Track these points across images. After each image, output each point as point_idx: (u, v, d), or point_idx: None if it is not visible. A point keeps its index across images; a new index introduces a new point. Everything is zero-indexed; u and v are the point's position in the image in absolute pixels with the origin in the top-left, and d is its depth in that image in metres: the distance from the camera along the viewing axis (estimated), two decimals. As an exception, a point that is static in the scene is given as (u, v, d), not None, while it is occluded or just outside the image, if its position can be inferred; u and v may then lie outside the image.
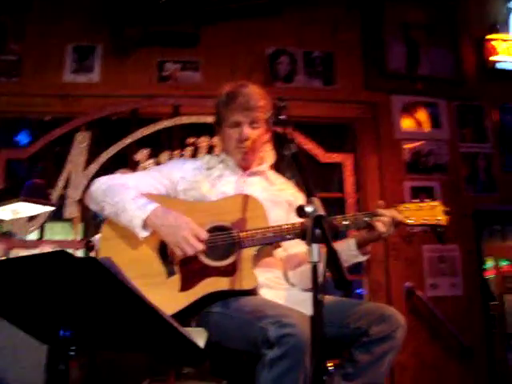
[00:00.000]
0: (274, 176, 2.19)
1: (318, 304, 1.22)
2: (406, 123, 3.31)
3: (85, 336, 1.25)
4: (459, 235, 3.13)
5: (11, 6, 3.30)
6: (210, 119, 3.16)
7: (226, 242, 1.83)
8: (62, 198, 3.11)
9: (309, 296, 1.90)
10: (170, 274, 1.82)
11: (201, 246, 1.77)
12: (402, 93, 3.35)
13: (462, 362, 2.93)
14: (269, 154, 2.28)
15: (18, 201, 2.32)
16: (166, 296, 1.75)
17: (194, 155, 3.20)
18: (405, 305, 2.99)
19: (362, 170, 3.29)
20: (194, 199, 2.00)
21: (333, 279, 1.28)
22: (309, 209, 1.28)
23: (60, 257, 1.01)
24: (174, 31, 3.29)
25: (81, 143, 3.20)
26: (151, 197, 1.94)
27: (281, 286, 1.95)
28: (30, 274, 1.10)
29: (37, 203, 2.44)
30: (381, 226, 1.75)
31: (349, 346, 1.73)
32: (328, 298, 1.94)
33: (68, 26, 3.33)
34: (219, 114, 2.07)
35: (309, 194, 1.36)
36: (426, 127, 3.32)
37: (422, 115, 3.34)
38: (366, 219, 1.79)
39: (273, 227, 1.82)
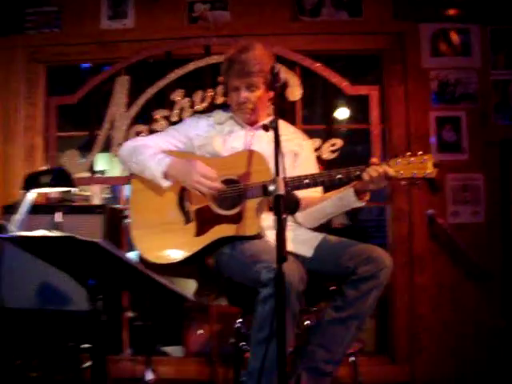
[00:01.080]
0: (283, 126, 2.38)
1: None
2: (435, 52, 3.29)
3: (105, 284, 1.60)
4: (485, 164, 3.20)
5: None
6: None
7: (233, 193, 2.08)
8: (108, 139, 3.42)
9: (312, 236, 2.17)
10: (187, 221, 2.11)
11: (212, 184, 2.02)
12: (432, 20, 3.29)
13: (478, 285, 3.11)
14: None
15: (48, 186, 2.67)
16: (184, 240, 2.06)
17: (225, 94, 3.37)
18: (426, 231, 3.17)
19: (387, 101, 3.34)
20: (209, 154, 2.27)
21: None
22: (271, 187, 1.51)
23: (70, 241, 1.32)
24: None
25: (121, 86, 3.45)
26: (170, 152, 2.21)
27: (287, 227, 2.19)
28: (56, 247, 1.44)
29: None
30: (367, 178, 1.93)
31: (340, 283, 1.99)
32: (328, 238, 2.18)
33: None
34: (224, 78, 2.39)
35: (276, 174, 1.57)
36: (456, 55, 3.28)
37: (452, 43, 3.29)
38: (358, 173, 1.97)
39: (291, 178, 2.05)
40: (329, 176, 2.04)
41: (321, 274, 2.09)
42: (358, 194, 2.05)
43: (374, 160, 1.99)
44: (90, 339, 2.91)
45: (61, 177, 2.74)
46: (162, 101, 3.40)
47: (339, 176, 2.01)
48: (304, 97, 3.36)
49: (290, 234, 2.16)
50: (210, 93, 3.35)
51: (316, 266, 2.10)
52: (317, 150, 3.27)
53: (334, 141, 3.30)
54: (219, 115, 2.43)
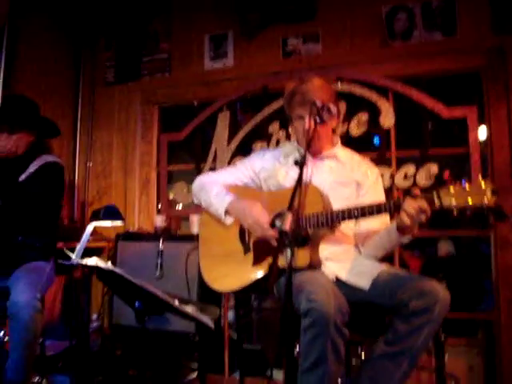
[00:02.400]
0: (348, 156, 2.41)
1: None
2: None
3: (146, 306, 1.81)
4: None
5: (156, 11, 3.89)
6: (337, 87, 3.41)
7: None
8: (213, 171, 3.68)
9: (372, 267, 2.15)
10: (246, 251, 2.22)
11: (263, 232, 2.12)
12: (537, 32, 3.07)
13: None
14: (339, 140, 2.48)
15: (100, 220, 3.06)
16: (243, 269, 2.18)
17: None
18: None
19: (487, 122, 3.16)
20: (274, 186, 2.36)
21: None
22: (277, 223, 1.58)
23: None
24: (291, 8, 3.51)
25: (223, 122, 3.71)
26: (235, 188, 2.35)
27: (347, 259, 2.22)
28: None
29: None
30: (405, 218, 1.88)
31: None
32: (387, 270, 2.15)
33: (203, 20, 3.80)
34: (287, 110, 2.38)
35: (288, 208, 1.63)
36: None
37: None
38: (392, 205, 1.93)
39: (321, 212, 2.07)
40: (362, 209, 2.02)
41: (378, 306, 2.08)
42: (401, 228, 2.02)
43: (416, 192, 1.94)
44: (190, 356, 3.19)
45: (110, 212, 3.10)
46: (261, 133, 3.59)
47: (370, 209, 1.99)
48: (398, 122, 3.32)
49: (347, 264, 2.19)
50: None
51: (373, 298, 2.09)
52: (411, 177, 3.22)
53: (429, 166, 3.21)
54: (286, 147, 2.49)
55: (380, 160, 3.30)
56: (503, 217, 1.96)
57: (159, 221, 3.35)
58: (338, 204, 2.19)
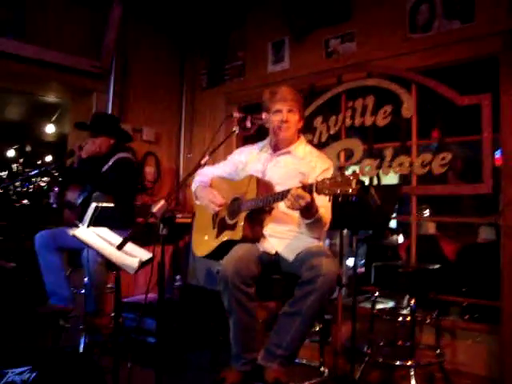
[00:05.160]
0: (304, 152, 2.83)
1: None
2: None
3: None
4: None
5: (234, 24, 4.58)
6: (366, 82, 3.69)
7: (235, 207, 2.71)
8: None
9: (300, 244, 2.58)
10: (213, 227, 2.84)
11: (216, 208, 2.77)
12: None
13: None
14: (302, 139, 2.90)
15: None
16: (210, 240, 2.84)
17: (352, 116, 3.75)
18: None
19: (502, 108, 3.09)
20: (243, 176, 2.87)
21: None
22: (152, 209, 2.16)
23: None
24: (330, 12, 3.85)
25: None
26: (216, 179, 2.97)
27: (288, 236, 2.68)
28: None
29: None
30: (287, 203, 2.30)
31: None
32: (311, 248, 2.55)
33: (268, 28, 4.36)
34: (265, 106, 2.86)
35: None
36: None
37: None
38: (277, 199, 2.36)
39: (257, 198, 2.58)
40: (266, 199, 2.51)
41: (296, 275, 2.51)
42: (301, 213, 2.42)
43: (301, 181, 2.30)
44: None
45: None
46: (308, 126, 4.02)
47: (270, 198, 2.45)
48: (420, 112, 3.45)
49: (287, 240, 2.66)
50: (341, 117, 3.81)
51: (293, 268, 2.54)
52: (427, 164, 3.35)
53: (443, 155, 3.30)
54: (262, 143, 2.99)
55: (401, 149, 3.50)
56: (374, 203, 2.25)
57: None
58: None
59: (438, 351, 3.11)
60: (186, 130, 4.98)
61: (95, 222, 2.91)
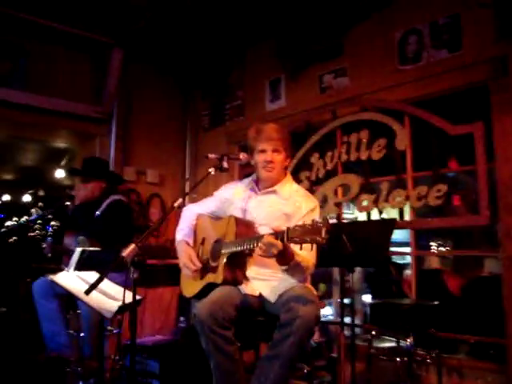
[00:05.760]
0: (290, 191, 2.74)
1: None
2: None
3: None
4: None
5: (233, 65, 4.65)
6: (360, 116, 3.66)
7: (217, 249, 2.66)
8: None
9: (282, 285, 2.50)
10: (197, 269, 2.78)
11: (190, 273, 2.69)
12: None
13: None
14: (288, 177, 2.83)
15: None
16: (195, 282, 2.74)
17: (347, 151, 3.71)
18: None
19: (495, 135, 3.00)
20: (230, 213, 2.80)
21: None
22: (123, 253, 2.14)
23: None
24: (321, 48, 3.87)
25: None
26: (201, 218, 2.92)
27: (272, 278, 2.59)
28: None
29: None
30: (258, 251, 2.24)
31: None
32: (294, 289, 2.47)
33: (265, 67, 4.41)
34: (250, 145, 2.76)
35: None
36: None
37: None
38: (252, 245, 2.31)
39: (235, 242, 2.53)
40: (242, 243, 2.44)
41: (277, 316, 2.43)
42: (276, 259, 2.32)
43: (272, 228, 2.25)
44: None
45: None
46: (306, 163, 4.01)
47: (245, 244, 2.38)
48: (414, 144, 3.39)
49: (271, 282, 2.57)
50: (337, 152, 3.78)
51: (275, 310, 2.45)
52: (422, 197, 3.27)
53: (439, 186, 3.22)
54: (248, 179, 2.86)
55: (397, 183, 3.43)
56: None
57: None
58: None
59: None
60: (191, 171, 5.02)
61: (88, 265, 2.92)
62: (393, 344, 3.36)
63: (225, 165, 2.69)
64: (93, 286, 2.13)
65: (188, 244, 2.84)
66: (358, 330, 3.88)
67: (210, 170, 2.66)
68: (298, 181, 3.99)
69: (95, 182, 3.65)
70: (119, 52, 4.34)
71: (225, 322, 2.38)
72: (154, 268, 4.53)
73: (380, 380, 3.13)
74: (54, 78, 4.29)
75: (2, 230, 3.91)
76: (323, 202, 3.83)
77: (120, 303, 2.44)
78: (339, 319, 3.38)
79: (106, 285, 2.69)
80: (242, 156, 2.78)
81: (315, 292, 2.69)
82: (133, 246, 2.23)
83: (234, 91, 4.68)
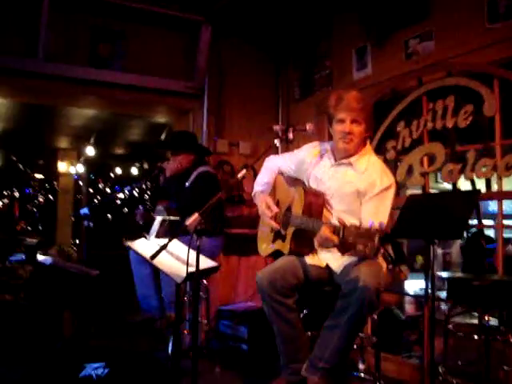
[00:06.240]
0: (367, 164, 2.68)
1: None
2: None
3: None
4: None
5: (322, 35, 4.59)
6: (445, 82, 3.46)
7: (286, 219, 2.70)
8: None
9: (348, 258, 2.51)
10: (271, 230, 2.88)
11: (269, 215, 2.73)
12: None
13: None
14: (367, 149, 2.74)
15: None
16: (267, 242, 2.89)
17: (433, 119, 3.53)
18: None
19: None
20: (306, 178, 2.83)
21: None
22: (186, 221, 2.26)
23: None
24: (406, 11, 3.69)
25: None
26: (278, 178, 2.97)
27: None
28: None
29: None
30: (315, 242, 2.28)
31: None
32: (357, 263, 2.46)
33: (351, 36, 4.29)
34: (329, 113, 2.70)
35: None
36: None
37: None
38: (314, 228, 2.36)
39: (302, 218, 2.56)
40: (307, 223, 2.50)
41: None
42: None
43: (332, 223, 2.29)
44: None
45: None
46: (392, 132, 3.88)
47: (310, 225, 2.45)
48: (504, 110, 3.14)
49: (334, 255, 2.58)
50: (422, 121, 3.62)
51: (340, 280, 2.49)
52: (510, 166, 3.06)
53: (531, 155, 2.97)
54: (324, 146, 2.81)
55: (485, 152, 3.22)
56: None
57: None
58: (340, 207, 2.65)
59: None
60: (282, 142, 5.06)
61: (168, 234, 3.13)
62: (475, 321, 3.23)
63: (290, 136, 2.71)
64: (158, 252, 2.29)
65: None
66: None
67: (275, 141, 2.69)
68: (384, 150, 3.90)
69: (184, 155, 3.87)
70: (208, 28, 4.48)
71: (285, 290, 2.47)
72: (246, 237, 4.71)
73: (458, 357, 3.03)
74: (150, 58, 4.53)
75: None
76: (409, 172, 3.71)
77: (197, 269, 2.54)
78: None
79: (183, 251, 2.83)
80: (309, 127, 2.77)
81: (384, 265, 2.66)
82: (196, 215, 2.36)
83: (322, 61, 4.61)
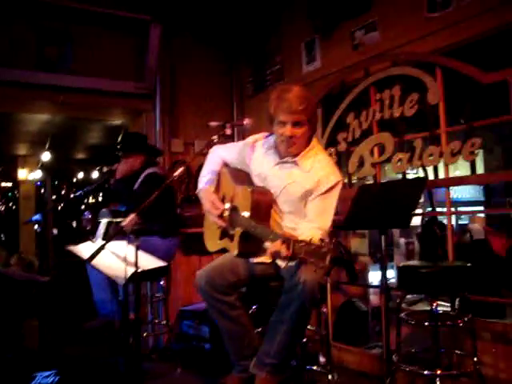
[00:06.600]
0: (312, 163, 2.56)
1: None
2: None
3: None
4: None
5: (271, 30, 4.57)
6: (391, 72, 3.48)
7: (233, 218, 2.61)
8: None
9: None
10: (218, 227, 2.77)
11: (215, 213, 2.64)
12: None
13: None
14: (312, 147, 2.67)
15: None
16: (214, 239, 2.76)
17: (381, 109, 3.55)
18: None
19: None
20: (248, 170, 2.74)
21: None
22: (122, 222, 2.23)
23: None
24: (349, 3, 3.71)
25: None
26: (222, 170, 2.84)
27: None
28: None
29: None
30: (268, 251, 2.23)
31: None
32: None
33: (300, 29, 4.29)
34: (269, 113, 2.52)
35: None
36: None
37: None
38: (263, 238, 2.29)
39: (249, 222, 2.46)
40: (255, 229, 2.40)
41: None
42: None
43: (285, 233, 2.24)
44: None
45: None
46: (342, 124, 3.89)
47: (258, 232, 2.35)
48: (447, 98, 3.17)
49: None
50: (371, 111, 3.63)
51: (284, 274, 2.47)
52: (456, 153, 3.08)
53: (473, 140, 3.00)
54: (269, 141, 2.67)
55: (430, 140, 3.24)
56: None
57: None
58: (286, 206, 2.57)
59: (476, 359, 2.82)
60: (238, 139, 5.05)
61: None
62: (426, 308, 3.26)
63: (228, 132, 2.67)
64: (94, 254, 2.23)
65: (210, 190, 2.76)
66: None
67: (213, 137, 2.65)
68: (336, 142, 3.91)
69: (134, 156, 3.81)
70: (157, 27, 4.42)
71: (224, 288, 2.45)
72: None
73: (415, 344, 3.05)
74: (99, 60, 4.45)
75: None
76: (360, 163, 3.72)
77: (137, 270, 2.50)
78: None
79: (129, 252, 2.74)
80: (246, 121, 2.72)
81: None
82: (132, 215, 2.32)
83: (273, 57, 4.62)
